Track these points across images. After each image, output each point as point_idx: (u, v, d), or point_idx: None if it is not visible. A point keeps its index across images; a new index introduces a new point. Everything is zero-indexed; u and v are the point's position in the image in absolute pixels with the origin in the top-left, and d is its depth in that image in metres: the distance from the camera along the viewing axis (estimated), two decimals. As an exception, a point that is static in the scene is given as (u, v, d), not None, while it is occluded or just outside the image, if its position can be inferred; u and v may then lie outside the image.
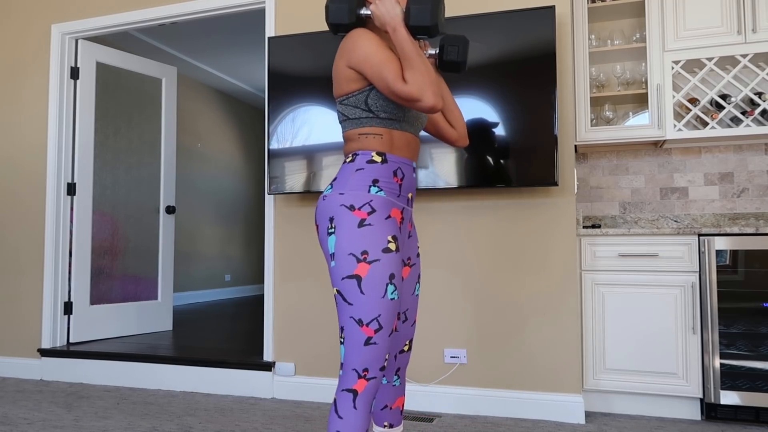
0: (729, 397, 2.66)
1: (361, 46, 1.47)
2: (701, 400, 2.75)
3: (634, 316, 2.80)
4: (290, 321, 3.19)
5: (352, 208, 1.48)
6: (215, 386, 3.27)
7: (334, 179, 1.57)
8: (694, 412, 2.76)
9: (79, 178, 3.94)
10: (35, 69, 3.91)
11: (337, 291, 1.49)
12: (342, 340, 1.49)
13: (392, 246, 1.48)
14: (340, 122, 1.62)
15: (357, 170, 1.53)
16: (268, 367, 3.18)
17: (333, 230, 1.49)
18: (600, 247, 2.87)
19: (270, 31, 3.33)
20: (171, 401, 3.10)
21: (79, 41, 3.99)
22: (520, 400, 2.79)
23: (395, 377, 1.76)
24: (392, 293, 1.47)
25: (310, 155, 3.07)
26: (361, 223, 1.47)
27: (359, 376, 1.45)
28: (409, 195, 1.62)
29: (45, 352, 3.67)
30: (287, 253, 3.22)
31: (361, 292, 1.45)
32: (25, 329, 3.81)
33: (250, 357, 3.33)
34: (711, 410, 2.71)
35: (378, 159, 1.53)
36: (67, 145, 3.88)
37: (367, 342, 1.45)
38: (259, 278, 8.61)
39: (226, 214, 7.85)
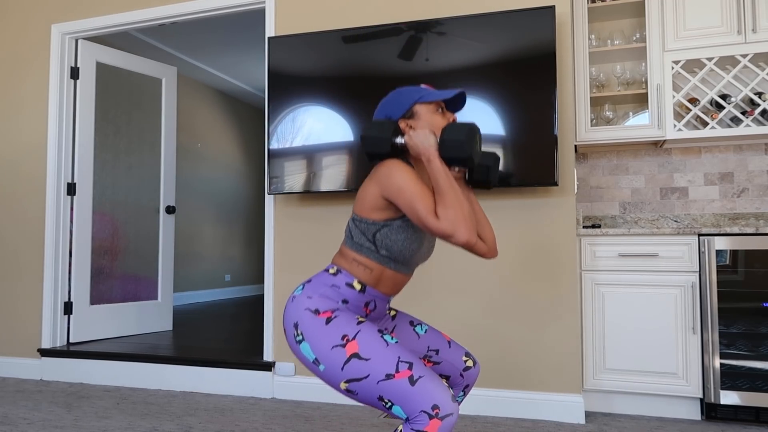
0: (729, 397, 2.66)
1: (396, 177, 1.45)
2: (701, 400, 2.75)
3: (634, 316, 2.80)
4: (290, 321, 3.18)
5: (317, 312, 1.48)
6: (215, 386, 3.27)
7: (308, 281, 1.57)
8: (694, 412, 2.76)
9: (79, 178, 3.94)
10: (35, 69, 3.91)
11: (347, 384, 1.42)
12: (389, 404, 1.38)
13: (362, 319, 1.49)
14: (345, 235, 1.61)
15: (332, 286, 1.53)
16: (268, 367, 3.18)
17: (301, 338, 1.48)
18: (600, 247, 2.87)
19: (270, 31, 3.33)
20: (171, 401, 3.10)
21: (79, 41, 3.99)
22: (520, 400, 2.79)
23: (461, 393, 1.73)
24: (392, 340, 1.45)
25: (310, 155, 3.07)
26: (328, 321, 1.47)
27: (430, 417, 1.33)
28: (378, 322, 1.65)
29: (45, 352, 3.67)
30: (287, 253, 3.22)
31: (366, 360, 1.40)
32: (25, 329, 3.81)
33: (250, 357, 3.33)
34: (711, 410, 2.71)
35: (357, 287, 1.53)
36: (67, 145, 3.88)
37: (412, 381, 1.36)
38: (259, 278, 8.61)
39: (226, 214, 7.85)
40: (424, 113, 1.56)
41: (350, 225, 1.59)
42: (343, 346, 1.42)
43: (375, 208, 1.52)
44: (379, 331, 1.46)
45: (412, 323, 1.72)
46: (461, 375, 1.70)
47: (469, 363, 1.70)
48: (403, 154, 1.57)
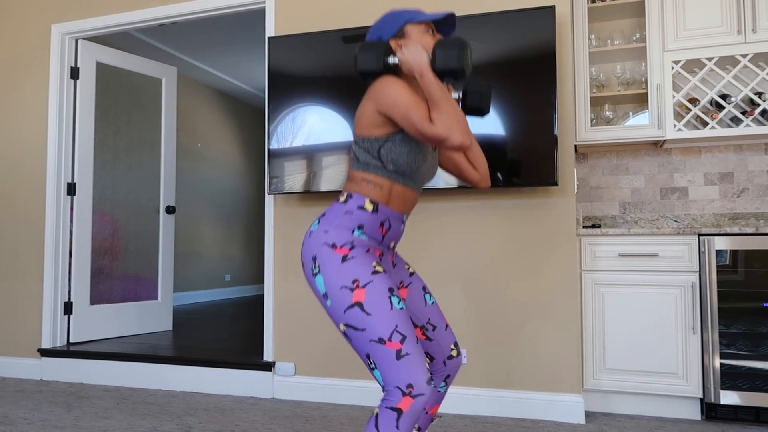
0: (729, 397, 2.66)
1: (389, 91, 1.50)
2: (701, 400, 2.75)
3: (634, 316, 2.80)
4: (290, 321, 3.19)
5: (334, 246, 1.50)
6: (215, 386, 3.27)
7: (323, 215, 1.59)
8: (694, 412, 2.76)
9: (79, 178, 3.94)
10: (35, 69, 3.91)
11: (345, 326, 1.46)
12: (373, 365, 1.43)
13: (379, 269, 1.50)
14: (351, 160, 1.64)
15: (346, 212, 1.55)
16: (268, 367, 3.18)
17: (318, 270, 1.51)
18: (600, 247, 2.87)
19: (270, 31, 3.33)
20: (171, 401, 3.10)
21: (79, 41, 3.99)
22: (520, 400, 2.79)
23: (443, 384, 1.74)
24: (398, 303, 1.46)
25: (310, 155, 3.07)
26: (344, 259, 1.49)
27: (404, 394, 1.38)
28: (392, 244, 1.64)
29: (45, 352, 3.67)
30: (287, 253, 3.22)
31: (368, 314, 1.43)
32: (25, 329, 3.81)
33: (250, 357, 3.33)
34: (711, 410, 2.71)
35: (369, 207, 1.55)
36: (67, 145, 3.88)
37: (399, 355, 1.40)
38: (259, 278, 8.61)
39: (226, 214, 7.85)
40: (414, 33, 1.60)
41: (354, 148, 1.62)
42: (351, 290, 1.45)
43: (374, 125, 1.55)
44: (390, 289, 1.46)
45: (424, 288, 1.74)
46: (444, 363, 1.72)
47: (454, 353, 1.73)
48: (395, 73, 1.60)
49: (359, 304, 1.44)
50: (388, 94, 1.50)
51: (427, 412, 1.75)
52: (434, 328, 1.71)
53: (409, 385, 1.38)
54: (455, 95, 1.71)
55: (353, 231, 1.53)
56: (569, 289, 2.78)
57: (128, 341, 3.97)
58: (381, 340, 1.41)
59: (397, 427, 1.37)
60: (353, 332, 1.45)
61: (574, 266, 2.79)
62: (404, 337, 1.42)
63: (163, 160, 4.62)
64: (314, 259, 1.52)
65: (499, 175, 2.78)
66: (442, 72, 1.52)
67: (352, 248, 1.50)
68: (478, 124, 2.82)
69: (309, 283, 1.55)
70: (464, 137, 1.45)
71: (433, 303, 1.74)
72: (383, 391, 1.43)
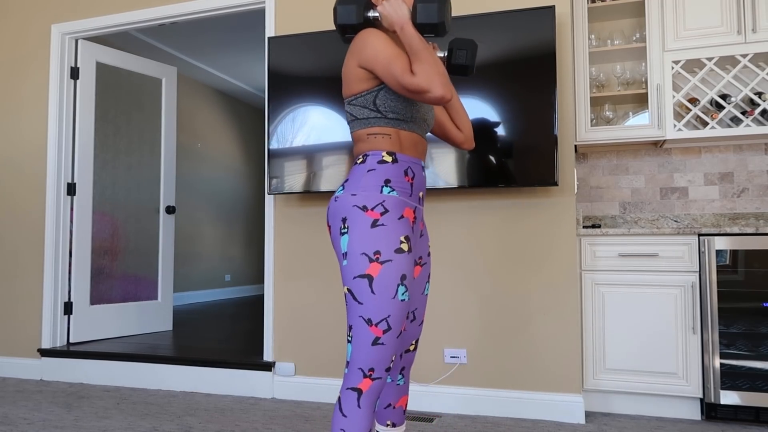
0: (729, 397, 2.66)
1: (370, 44, 1.50)
2: (701, 400, 2.75)
3: (634, 316, 2.80)
4: (290, 321, 3.19)
5: (365, 208, 1.49)
6: (215, 386, 3.27)
7: (346, 180, 1.57)
8: (694, 412, 2.76)
9: (79, 178, 3.94)
10: (35, 69, 3.91)
11: (348, 290, 1.48)
12: (350, 338, 1.48)
13: (405, 246, 1.48)
14: (349, 123, 1.63)
15: (368, 171, 1.53)
16: (268, 367, 3.18)
17: (346, 230, 1.50)
18: (600, 247, 2.87)
19: (270, 31, 3.33)
20: (171, 401, 3.10)
21: (79, 41, 3.99)
22: (520, 400, 2.79)
23: (400, 376, 1.75)
24: (403, 294, 1.46)
25: (310, 155, 3.07)
26: (374, 224, 1.47)
27: (364, 376, 1.44)
28: (420, 194, 1.61)
29: (45, 352, 3.67)
30: (287, 253, 3.22)
31: (372, 291, 1.44)
32: (25, 329, 3.81)
33: (250, 357, 3.33)
34: (711, 410, 2.71)
35: (389, 159, 1.53)
36: (67, 145, 3.88)
37: (375, 342, 1.44)
38: (259, 278, 8.61)
39: (226, 214, 7.85)
40: None
41: (349, 110, 1.61)
42: (370, 261, 1.45)
43: (359, 80, 1.55)
44: (403, 276, 1.46)
45: (428, 276, 1.75)
46: (401, 356, 1.73)
47: (412, 347, 1.75)
48: (375, 27, 1.59)
49: (369, 278, 1.45)
50: (369, 46, 1.49)
51: (394, 407, 1.75)
52: (413, 319, 1.72)
53: (371, 369, 1.45)
54: (440, 54, 1.70)
55: (381, 189, 1.51)
56: (569, 289, 2.78)
57: (128, 341, 3.97)
58: (369, 321, 1.44)
59: (359, 405, 1.44)
60: (351, 300, 1.47)
61: (574, 266, 2.79)
62: (389, 329, 1.45)
63: (163, 160, 4.62)
64: (344, 220, 1.51)
65: (499, 175, 2.78)
66: (423, 26, 1.51)
67: (383, 213, 1.49)
68: (478, 123, 2.82)
69: (333, 244, 1.55)
70: (445, 89, 1.45)
71: (425, 294, 1.73)
72: (346, 368, 1.48)
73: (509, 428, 2.62)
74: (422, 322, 1.74)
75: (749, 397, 2.64)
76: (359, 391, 1.44)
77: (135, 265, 4.38)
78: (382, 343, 1.44)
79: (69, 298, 3.87)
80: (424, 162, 1.64)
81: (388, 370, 1.47)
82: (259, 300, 7.49)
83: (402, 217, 1.51)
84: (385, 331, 1.44)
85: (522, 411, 2.78)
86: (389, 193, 1.51)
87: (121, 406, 3.00)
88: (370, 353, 1.44)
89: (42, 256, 3.81)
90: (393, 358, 1.49)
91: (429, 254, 1.74)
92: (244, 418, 2.78)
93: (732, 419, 2.69)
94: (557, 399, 2.75)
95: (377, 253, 1.45)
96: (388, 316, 1.44)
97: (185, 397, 3.19)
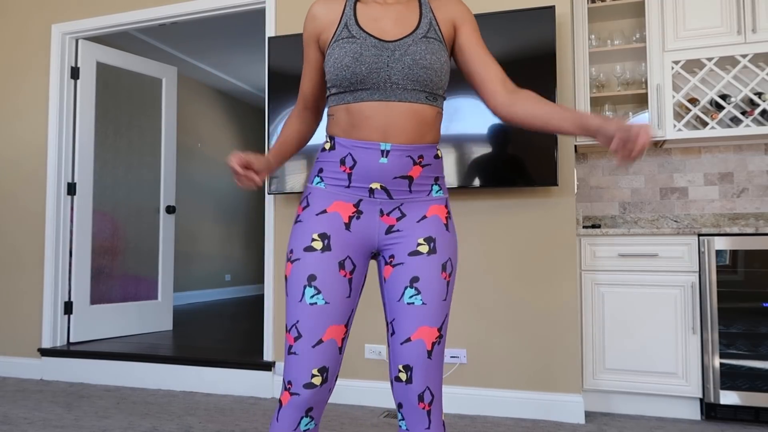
0: (729, 397, 2.66)
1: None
2: (701, 400, 2.75)
3: (633, 316, 2.80)
4: (290, 321, 3.19)
5: (299, 203, 1.37)
6: (215, 386, 3.27)
7: None
8: (693, 412, 2.76)
9: (79, 178, 3.94)
10: (35, 69, 3.91)
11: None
12: None
13: (317, 245, 1.28)
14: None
15: (315, 161, 1.44)
16: (268, 367, 3.18)
17: None
18: (600, 247, 2.87)
19: (270, 31, 3.33)
20: (171, 401, 3.11)
21: (79, 41, 3.99)
22: (520, 400, 2.79)
23: (399, 415, 1.33)
24: (311, 297, 1.26)
25: (311, 155, 3.08)
26: (296, 220, 1.35)
27: (285, 388, 1.29)
28: (375, 185, 1.29)
29: (45, 352, 3.67)
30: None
31: (286, 294, 1.32)
32: (25, 329, 3.81)
33: (250, 357, 3.33)
34: (711, 410, 2.71)
35: (327, 146, 1.33)
36: (67, 145, 3.88)
37: (289, 351, 1.29)
38: (259, 278, 8.61)
39: (226, 214, 7.85)
40: None
41: None
42: (287, 260, 1.34)
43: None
44: (310, 277, 1.27)
45: (413, 281, 1.30)
46: (391, 382, 1.33)
47: (402, 377, 1.29)
48: None
49: (286, 278, 1.32)
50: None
51: None
52: (393, 333, 1.31)
53: (289, 382, 1.28)
54: None
55: (313, 180, 1.35)
56: (569, 289, 2.78)
57: (128, 341, 3.97)
58: (286, 327, 1.31)
59: (277, 419, 1.29)
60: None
61: (574, 266, 2.79)
62: (299, 336, 1.27)
63: (164, 160, 4.62)
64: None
65: (499, 175, 2.78)
66: None
67: (305, 207, 1.33)
68: (479, 124, 2.82)
69: None
70: None
71: (410, 304, 1.29)
72: None
73: (509, 428, 2.62)
74: (409, 339, 1.28)
75: (749, 397, 2.64)
76: (280, 403, 1.30)
77: (135, 265, 4.38)
78: (294, 353, 1.27)
79: (69, 298, 3.87)
80: (402, 142, 1.27)
81: (309, 387, 1.26)
82: (259, 300, 7.49)
83: (324, 212, 1.30)
84: (296, 339, 1.27)
85: (522, 411, 2.79)
86: (317, 184, 1.33)
87: (121, 406, 3.00)
88: (288, 362, 1.29)
89: (42, 255, 3.81)
90: (321, 375, 1.26)
91: (416, 253, 1.30)
92: (244, 418, 2.79)
93: (732, 419, 2.69)
94: (557, 399, 2.75)
95: (291, 251, 1.32)
96: (297, 322, 1.27)
97: (185, 396, 3.20)
